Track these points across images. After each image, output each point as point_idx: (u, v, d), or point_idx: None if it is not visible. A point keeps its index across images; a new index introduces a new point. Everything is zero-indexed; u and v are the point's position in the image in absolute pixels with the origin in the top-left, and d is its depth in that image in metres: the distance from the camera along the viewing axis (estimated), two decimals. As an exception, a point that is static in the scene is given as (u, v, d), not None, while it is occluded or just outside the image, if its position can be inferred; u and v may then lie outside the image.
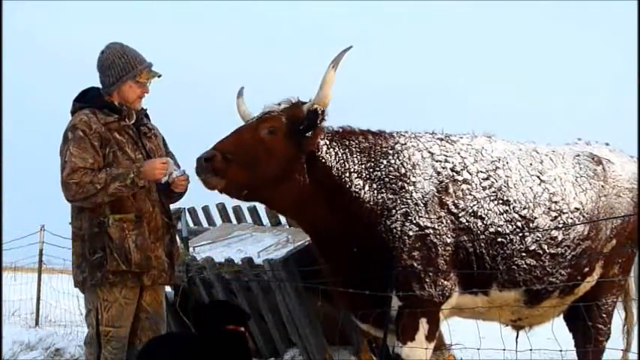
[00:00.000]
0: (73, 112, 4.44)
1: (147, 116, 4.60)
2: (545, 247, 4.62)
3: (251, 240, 6.57)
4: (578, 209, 4.78)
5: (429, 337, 4.41)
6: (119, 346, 4.36)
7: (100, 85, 4.48)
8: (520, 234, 4.54)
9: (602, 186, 4.95)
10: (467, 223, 4.45)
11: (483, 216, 4.49)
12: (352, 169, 4.41)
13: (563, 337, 4.85)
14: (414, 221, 4.36)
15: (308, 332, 5.89)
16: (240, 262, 6.06)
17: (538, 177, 4.75)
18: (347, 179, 4.38)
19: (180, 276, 6.38)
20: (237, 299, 6.24)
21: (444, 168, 4.52)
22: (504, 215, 4.55)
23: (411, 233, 4.34)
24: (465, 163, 4.58)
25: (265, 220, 6.78)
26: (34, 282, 11.08)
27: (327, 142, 4.42)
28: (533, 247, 4.59)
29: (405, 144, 4.55)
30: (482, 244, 4.47)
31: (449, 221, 4.43)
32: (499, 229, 4.51)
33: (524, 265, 4.57)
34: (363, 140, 4.52)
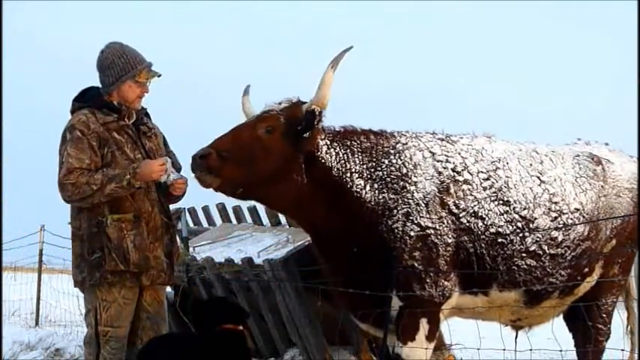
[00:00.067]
0: (72, 112, 4.44)
1: (147, 115, 4.59)
2: (546, 247, 4.62)
3: (251, 240, 6.57)
4: (578, 210, 4.78)
5: (430, 337, 4.41)
6: (118, 346, 4.35)
7: (100, 85, 4.48)
8: (520, 234, 4.54)
9: (602, 186, 4.95)
10: (468, 224, 4.45)
11: (484, 216, 4.49)
12: (353, 169, 4.40)
13: (563, 337, 4.86)
14: (416, 221, 4.35)
15: (308, 332, 5.89)
16: (240, 262, 6.06)
17: (538, 177, 4.75)
18: (348, 179, 4.38)
19: (180, 276, 6.38)
20: (237, 299, 6.24)
21: (445, 168, 4.52)
22: (505, 216, 4.55)
23: (412, 233, 4.34)
24: (465, 164, 4.58)
25: (265, 220, 6.78)
26: (34, 282, 11.08)
27: (328, 143, 4.41)
28: (533, 248, 4.59)
29: (407, 144, 4.55)
30: (483, 245, 4.47)
31: (450, 221, 4.43)
32: (499, 229, 4.51)
33: (525, 266, 4.57)
34: (365, 140, 4.52)
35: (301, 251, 5.74)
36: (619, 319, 5.20)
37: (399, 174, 4.43)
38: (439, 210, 4.42)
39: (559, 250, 4.67)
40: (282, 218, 6.48)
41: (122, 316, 4.35)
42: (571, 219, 4.73)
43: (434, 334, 4.45)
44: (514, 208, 4.58)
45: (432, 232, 4.37)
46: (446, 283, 4.40)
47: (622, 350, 4.39)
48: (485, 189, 4.55)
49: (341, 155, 4.41)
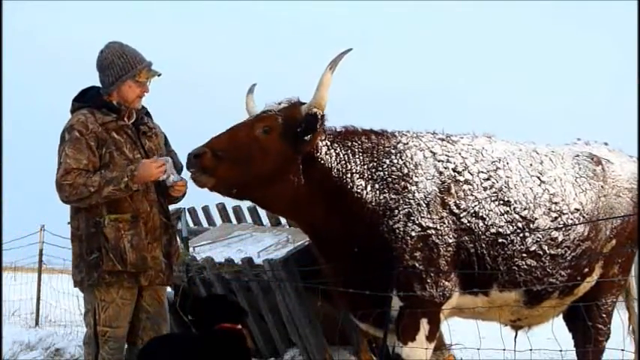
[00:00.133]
0: (72, 112, 4.44)
1: (148, 115, 4.59)
2: (546, 247, 4.62)
3: (251, 240, 6.57)
4: (578, 210, 4.78)
5: (430, 338, 4.41)
6: (117, 347, 4.35)
7: (100, 85, 4.47)
8: (521, 235, 4.54)
9: (602, 186, 4.95)
10: (468, 224, 4.45)
11: (484, 216, 4.49)
12: (354, 170, 4.39)
13: (563, 337, 4.86)
14: (417, 222, 4.35)
15: (308, 332, 5.89)
16: (240, 262, 6.06)
17: (538, 177, 4.75)
18: (348, 180, 4.37)
19: (180, 276, 6.38)
20: (238, 299, 6.24)
21: (445, 168, 4.52)
22: (505, 216, 4.54)
23: (413, 234, 4.34)
24: (466, 164, 4.58)
25: (265, 220, 6.78)
26: (34, 282, 11.08)
27: (328, 144, 4.40)
28: (533, 248, 4.59)
29: (407, 143, 4.55)
30: (484, 245, 4.46)
31: (450, 222, 4.42)
32: (500, 229, 4.51)
33: (525, 266, 4.57)
34: (366, 140, 4.51)
35: (301, 251, 5.74)
36: (619, 319, 5.21)
37: (400, 174, 4.43)
38: (440, 210, 4.42)
39: (559, 250, 4.67)
40: (282, 218, 6.48)
41: (120, 316, 4.34)
42: (571, 219, 4.73)
43: (434, 334, 4.45)
44: (514, 209, 4.58)
45: (433, 232, 4.37)
46: (446, 283, 4.40)
47: (622, 350, 4.38)
48: (485, 189, 4.55)
49: (341, 156, 4.40)
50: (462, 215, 4.45)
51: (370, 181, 4.41)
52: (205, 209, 7.54)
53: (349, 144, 4.46)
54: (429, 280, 4.36)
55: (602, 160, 5.08)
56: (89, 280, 4.32)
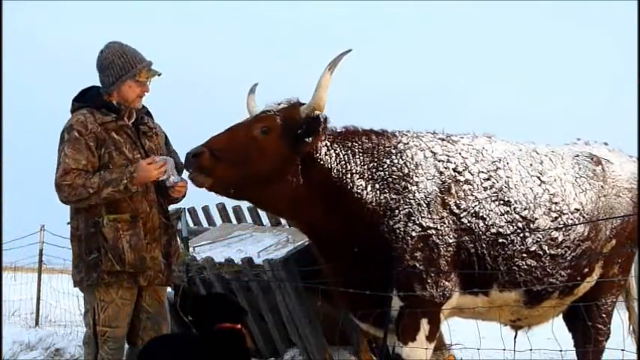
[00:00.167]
0: (72, 112, 4.44)
1: (149, 114, 4.58)
2: (546, 247, 4.62)
3: (251, 240, 6.57)
4: (578, 210, 4.78)
5: (430, 338, 4.41)
6: (116, 347, 4.35)
7: (100, 85, 4.47)
8: (521, 235, 4.54)
9: (602, 186, 4.95)
10: (469, 224, 4.45)
11: (485, 216, 4.49)
12: (354, 170, 4.39)
13: (563, 337, 4.86)
14: (417, 222, 4.35)
15: (308, 332, 5.89)
16: (240, 262, 6.06)
17: (538, 178, 4.75)
18: (348, 180, 4.37)
19: (180, 276, 6.38)
20: (238, 299, 6.24)
21: (446, 168, 4.52)
22: (505, 216, 4.54)
23: (413, 234, 4.34)
24: (466, 164, 4.58)
25: (265, 220, 6.78)
26: (34, 282, 11.08)
27: (328, 144, 4.40)
28: (533, 248, 4.59)
29: (408, 143, 4.55)
30: (484, 245, 4.46)
31: (451, 222, 4.42)
32: (500, 229, 4.51)
33: (525, 266, 4.57)
34: (367, 141, 4.51)
35: (301, 251, 5.74)
36: (619, 319, 5.21)
37: (401, 174, 4.42)
38: (440, 210, 4.42)
39: (559, 250, 4.67)
40: (282, 218, 6.48)
41: (120, 316, 4.34)
42: (571, 219, 4.73)
43: (434, 334, 4.45)
44: (515, 209, 4.58)
45: (434, 232, 4.36)
46: (446, 283, 4.40)
47: (622, 350, 4.38)
48: (485, 189, 4.55)
49: (341, 156, 4.40)
50: (462, 215, 4.45)
51: (370, 182, 4.40)
52: (205, 209, 7.53)
53: (349, 144, 4.46)
54: (429, 280, 4.36)
55: (602, 160, 5.08)
56: (88, 280, 4.31)
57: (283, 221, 6.51)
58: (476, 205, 4.49)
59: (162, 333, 4.48)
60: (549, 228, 4.63)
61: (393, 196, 4.38)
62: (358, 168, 4.41)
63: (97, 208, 4.27)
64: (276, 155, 4.23)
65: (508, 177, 4.65)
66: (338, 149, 4.41)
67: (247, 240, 6.61)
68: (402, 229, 4.34)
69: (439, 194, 4.44)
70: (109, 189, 4.19)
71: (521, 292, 4.64)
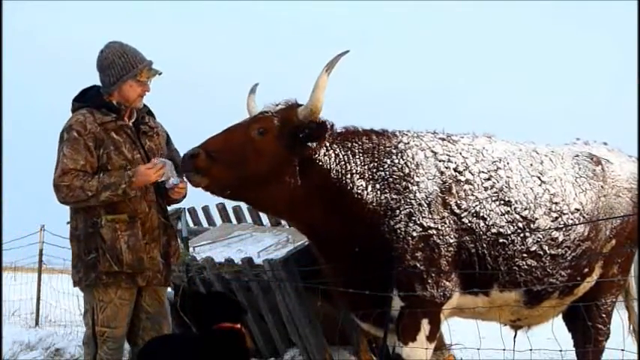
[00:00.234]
0: (73, 112, 4.44)
1: (150, 114, 4.58)
2: (546, 247, 4.62)
3: (251, 240, 6.57)
4: (578, 210, 4.78)
5: (430, 338, 4.41)
6: (115, 347, 4.35)
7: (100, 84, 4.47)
8: (521, 235, 4.54)
9: (602, 186, 4.95)
10: (469, 224, 4.45)
11: (485, 216, 4.49)
12: (354, 171, 4.39)
13: (563, 337, 4.86)
14: (418, 222, 4.35)
15: (308, 332, 5.89)
16: (240, 262, 6.06)
17: (539, 178, 4.75)
18: (348, 181, 4.37)
19: (180, 276, 6.39)
20: (237, 299, 6.24)
21: (447, 168, 4.52)
22: (506, 216, 4.54)
23: (414, 234, 4.33)
24: (467, 164, 4.58)
25: (265, 220, 6.78)
26: (34, 282, 11.07)
27: (327, 145, 4.39)
28: (534, 248, 4.59)
29: (409, 143, 4.54)
30: (485, 245, 4.46)
31: (452, 222, 4.42)
32: (501, 229, 4.51)
33: (525, 266, 4.57)
34: (367, 141, 4.50)
35: (301, 251, 5.74)
36: (619, 318, 5.21)
37: (402, 174, 4.42)
38: (441, 210, 4.42)
39: (559, 250, 4.67)
40: (282, 218, 6.48)
41: (119, 316, 4.34)
42: (571, 219, 4.73)
43: (434, 334, 4.45)
44: (515, 209, 4.58)
45: (435, 232, 4.36)
46: (447, 283, 4.40)
47: (622, 350, 4.38)
48: (486, 189, 4.55)
49: (341, 157, 4.40)
50: (463, 215, 4.45)
51: (371, 182, 4.40)
52: (205, 209, 7.54)
53: (349, 145, 4.46)
54: (429, 281, 4.35)
55: (602, 160, 5.09)
56: (87, 280, 4.32)
57: (283, 221, 6.51)
58: (476, 205, 4.49)
59: (163, 333, 4.47)
60: (550, 228, 4.63)
61: (394, 196, 4.38)
62: (358, 168, 4.40)
63: (96, 208, 4.27)
64: (272, 156, 4.23)
65: (508, 177, 4.65)
66: (337, 150, 4.41)
67: (247, 240, 6.61)
68: (403, 229, 4.33)
69: (440, 194, 4.44)
70: (108, 192, 4.19)
71: (522, 292, 4.64)
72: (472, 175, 4.55)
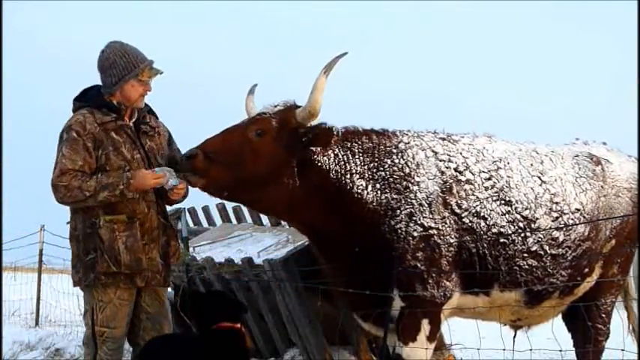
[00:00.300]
0: (74, 112, 4.44)
1: (152, 113, 4.57)
2: (547, 247, 4.62)
3: (251, 240, 6.57)
4: (578, 210, 4.79)
5: (430, 338, 4.41)
6: (115, 347, 4.35)
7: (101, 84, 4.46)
8: (522, 235, 4.54)
9: (602, 186, 4.96)
10: (470, 224, 4.45)
11: (486, 216, 4.49)
12: (354, 171, 4.39)
13: (563, 337, 4.86)
14: (419, 222, 4.35)
15: (308, 332, 5.89)
16: (240, 262, 6.06)
17: (539, 177, 4.75)
18: (348, 181, 4.36)
19: (180, 276, 6.39)
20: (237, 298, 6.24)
21: (447, 168, 4.52)
22: (506, 216, 4.55)
23: (415, 234, 4.33)
24: (467, 163, 4.58)
25: (265, 220, 6.78)
26: (34, 282, 11.07)
27: (327, 145, 4.40)
28: (534, 248, 4.59)
29: (409, 143, 4.54)
30: (485, 245, 4.46)
31: (452, 222, 4.42)
32: (501, 229, 4.51)
33: (526, 266, 4.58)
34: (367, 140, 4.50)
35: (301, 251, 5.74)
36: (619, 318, 5.21)
37: (402, 174, 4.42)
38: (442, 210, 4.41)
39: (560, 250, 4.67)
40: (282, 218, 6.48)
41: (118, 316, 4.33)
42: (572, 219, 4.73)
43: (435, 334, 4.45)
44: (516, 208, 4.58)
45: (435, 232, 4.36)
46: (447, 283, 4.40)
47: (622, 350, 4.38)
48: (487, 189, 4.55)
49: (340, 157, 4.40)
50: (463, 215, 4.45)
51: (371, 182, 4.40)
52: (205, 209, 7.54)
53: (348, 145, 4.45)
54: (430, 281, 4.35)
55: (602, 160, 5.09)
56: (86, 280, 4.31)
57: (283, 221, 6.51)
58: (477, 205, 4.49)
59: (163, 333, 4.47)
60: (550, 228, 4.63)
61: (395, 196, 4.38)
62: (358, 168, 4.40)
63: (94, 208, 4.26)
64: (270, 158, 4.23)
65: (509, 177, 4.65)
66: (337, 150, 4.40)
67: (247, 240, 6.61)
68: (404, 229, 4.33)
69: (440, 194, 4.44)
70: (105, 193, 4.18)
71: (522, 292, 4.64)
72: (473, 174, 4.55)
